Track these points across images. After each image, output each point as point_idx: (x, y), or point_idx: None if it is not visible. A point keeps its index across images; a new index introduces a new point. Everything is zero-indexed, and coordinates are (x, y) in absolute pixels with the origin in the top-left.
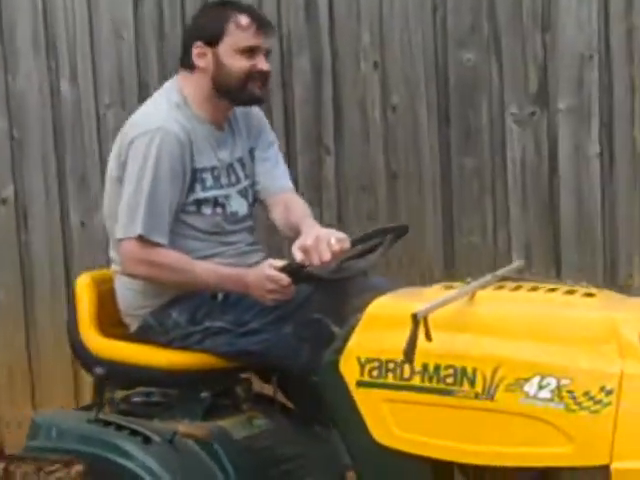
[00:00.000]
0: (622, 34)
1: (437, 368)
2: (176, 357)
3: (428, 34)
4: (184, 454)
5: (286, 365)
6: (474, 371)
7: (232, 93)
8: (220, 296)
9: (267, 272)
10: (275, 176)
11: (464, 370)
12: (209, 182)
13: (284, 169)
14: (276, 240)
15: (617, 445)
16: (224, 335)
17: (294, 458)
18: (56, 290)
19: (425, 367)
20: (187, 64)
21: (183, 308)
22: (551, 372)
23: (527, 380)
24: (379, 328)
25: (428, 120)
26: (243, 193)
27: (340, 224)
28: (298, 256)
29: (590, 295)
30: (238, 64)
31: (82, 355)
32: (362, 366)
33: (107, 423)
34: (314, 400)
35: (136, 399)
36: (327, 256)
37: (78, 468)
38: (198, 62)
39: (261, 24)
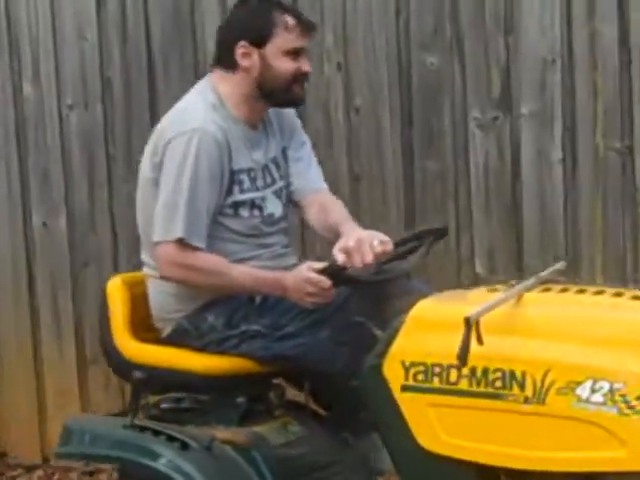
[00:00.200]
0: (584, 38)
1: (485, 372)
2: (212, 361)
3: (391, 37)
4: (222, 460)
5: (323, 369)
6: (524, 374)
7: (275, 94)
8: (258, 299)
9: (307, 275)
10: (309, 176)
11: (513, 374)
12: (246, 184)
13: (317, 169)
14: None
15: None
16: (261, 339)
17: (328, 465)
18: (18, 292)
19: (473, 371)
20: (227, 63)
21: (219, 311)
22: (604, 376)
23: (579, 384)
24: (424, 331)
25: (391, 123)
26: (278, 194)
27: (303, 227)
28: (340, 258)
29: (638, 298)
30: (285, 66)
31: (115, 359)
32: (407, 370)
33: (143, 429)
34: (347, 406)
35: (167, 405)
36: (369, 258)
37: None
38: (242, 62)
39: (306, 25)
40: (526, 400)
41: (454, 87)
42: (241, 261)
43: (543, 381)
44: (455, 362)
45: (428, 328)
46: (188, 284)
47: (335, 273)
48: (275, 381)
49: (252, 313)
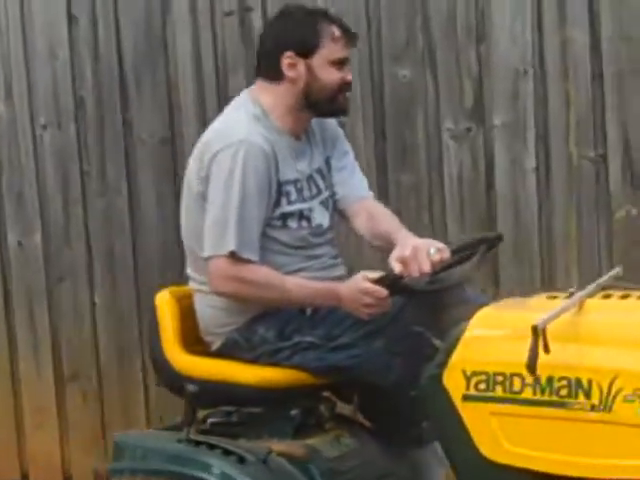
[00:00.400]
0: (556, 47)
1: (550, 380)
2: (266, 373)
3: (363, 49)
4: (278, 474)
5: (376, 381)
6: (589, 382)
7: (321, 104)
8: (308, 311)
9: (363, 285)
10: (353, 185)
11: (579, 381)
12: (293, 195)
13: (361, 177)
14: None
15: None
16: (314, 350)
17: (382, 478)
18: None
19: (537, 379)
20: (271, 74)
21: (270, 324)
22: None
23: None
24: (485, 340)
25: (364, 135)
26: (325, 204)
27: None
28: (396, 268)
29: None
30: (331, 76)
31: (166, 373)
32: (468, 379)
33: (197, 443)
34: (396, 418)
35: (217, 418)
36: (427, 267)
37: None
38: (288, 73)
39: (350, 36)
40: (592, 408)
41: (427, 99)
42: (291, 273)
43: (610, 389)
44: (518, 371)
45: (489, 337)
46: (241, 298)
47: (392, 283)
48: (325, 394)
49: (305, 325)
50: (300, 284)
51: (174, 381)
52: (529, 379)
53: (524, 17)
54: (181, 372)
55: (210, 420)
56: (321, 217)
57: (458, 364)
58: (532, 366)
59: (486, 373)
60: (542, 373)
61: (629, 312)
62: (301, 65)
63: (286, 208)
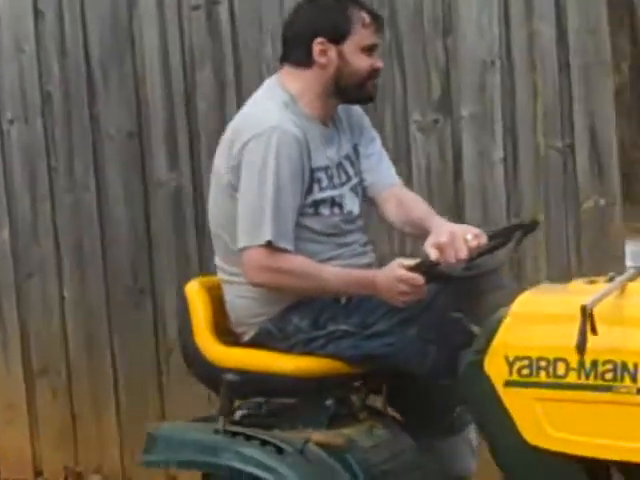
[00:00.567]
0: (523, 39)
1: (594, 364)
2: (302, 362)
3: None
4: (317, 464)
5: (411, 369)
6: (635, 366)
7: (349, 91)
8: (343, 299)
9: (399, 273)
10: (381, 171)
11: (625, 365)
12: (324, 182)
13: (389, 164)
14: None
15: None
16: (348, 338)
17: (414, 469)
18: None
19: (582, 363)
20: (299, 60)
21: (304, 313)
22: None
23: None
24: (527, 325)
25: None
26: (355, 191)
27: None
28: (432, 254)
29: None
30: (362, 62)
31: (198, 364)
32: (510, 365)
33: (234, 434)
34: (427, 409)
35: (250, 409)
36: (464, 253)
37: None
38: (319, 59)
39: (380, 22)
40: (639, 391)
41: (394, 91)
42: (323, 261)
43: None
44: (562, 355)
45: (531, 322)
46: (277, 288)
47: (428, 270)
48: (356, 384)
49: (339, 313)
50: (336, 273)
51: (208, 372)
52: (573, 363)
53: (491, 10)
54: (214, 362)
55: (241, 412)
56: (352, 204)
57: (500, 350)
58: (582, 347)
59: (529, 358)
60: (587, 357)
61: None
62: (332, 51)
63: (318, 195)
